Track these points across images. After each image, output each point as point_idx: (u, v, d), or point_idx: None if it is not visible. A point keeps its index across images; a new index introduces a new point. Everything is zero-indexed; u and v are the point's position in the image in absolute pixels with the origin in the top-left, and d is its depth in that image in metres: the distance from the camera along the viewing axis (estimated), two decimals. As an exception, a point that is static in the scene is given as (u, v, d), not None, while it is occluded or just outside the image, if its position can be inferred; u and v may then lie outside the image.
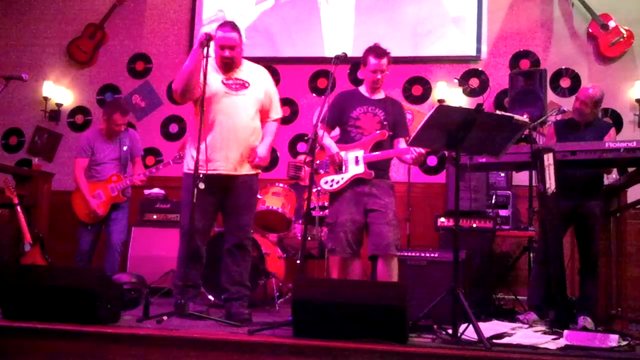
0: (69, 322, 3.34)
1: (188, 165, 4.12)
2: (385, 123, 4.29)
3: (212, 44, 3.93)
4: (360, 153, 4.23)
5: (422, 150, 4.09)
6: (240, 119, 4.12)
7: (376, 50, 4.28)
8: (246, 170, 4.17)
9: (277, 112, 4.37)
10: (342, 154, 4.25)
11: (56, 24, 7.73)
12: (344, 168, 4.25)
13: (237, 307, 4.05)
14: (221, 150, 4.06)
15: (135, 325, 3.51)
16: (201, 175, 3.84)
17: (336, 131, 4.46)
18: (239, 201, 4.18)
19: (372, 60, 4.26)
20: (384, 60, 4.26)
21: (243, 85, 4.16)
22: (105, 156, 5.44)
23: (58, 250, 5.90)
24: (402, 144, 4.33)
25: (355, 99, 4.36)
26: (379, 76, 4.29)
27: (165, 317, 3.56)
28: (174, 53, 7.47)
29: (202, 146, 3.89)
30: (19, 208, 5.39)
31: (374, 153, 4.21)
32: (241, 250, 4.19)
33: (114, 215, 5.40)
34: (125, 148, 5.50)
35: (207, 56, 3.91)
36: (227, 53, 4.10)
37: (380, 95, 4.41)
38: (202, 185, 3.83)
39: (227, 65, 4.15)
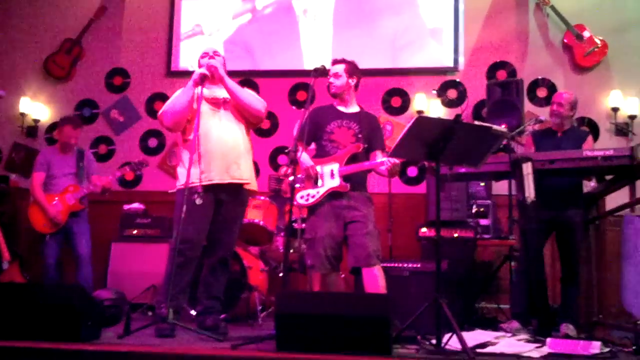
0: (49, 340, 3.29)
1: (181, 182, 4.09)
2: (359, 136, 4.29)
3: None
4: (335, 166, 4.22)
5: (397, 161, 4.06)
6: (227, 131, 4.18)
7: (332, 59, 4.41)
8: (238, 176, 4.17)
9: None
10: (318, 167, 4.25)
11: (32, 39, 7.64)
12: (319, 182, 4.24)
13: (213, 321, 4.11)
14: (212, 162, 4.08)
15: (116, 342, 3.48)
16: (199, 191, 3.90)
17: (312, 146, 4.45)
18: (230, 215, 4.23)
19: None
20: (337, 66, 4.33)
21: (224, 101, 4.24)
22: (61, 170, 5.53)
23: (37, 267, 5.81)
24: (378, 156, 4.29)
25: (330, 113, 4.37)
26: (331, 80, 4.33)
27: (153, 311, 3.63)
28: (151, 67, 7.43)
29: (195, 162, 3.94)
30: (-4, 225, 5.34)
31: (349, 165, 4.21)
32: (223, 264, 4.28)
33: (76, 227, 5.45)
34: (81, 164, 5.59)
35: (201, 94, 4.01)
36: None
37: (355, 108, 4.42)
38: (199, 201, 3.87)
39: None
